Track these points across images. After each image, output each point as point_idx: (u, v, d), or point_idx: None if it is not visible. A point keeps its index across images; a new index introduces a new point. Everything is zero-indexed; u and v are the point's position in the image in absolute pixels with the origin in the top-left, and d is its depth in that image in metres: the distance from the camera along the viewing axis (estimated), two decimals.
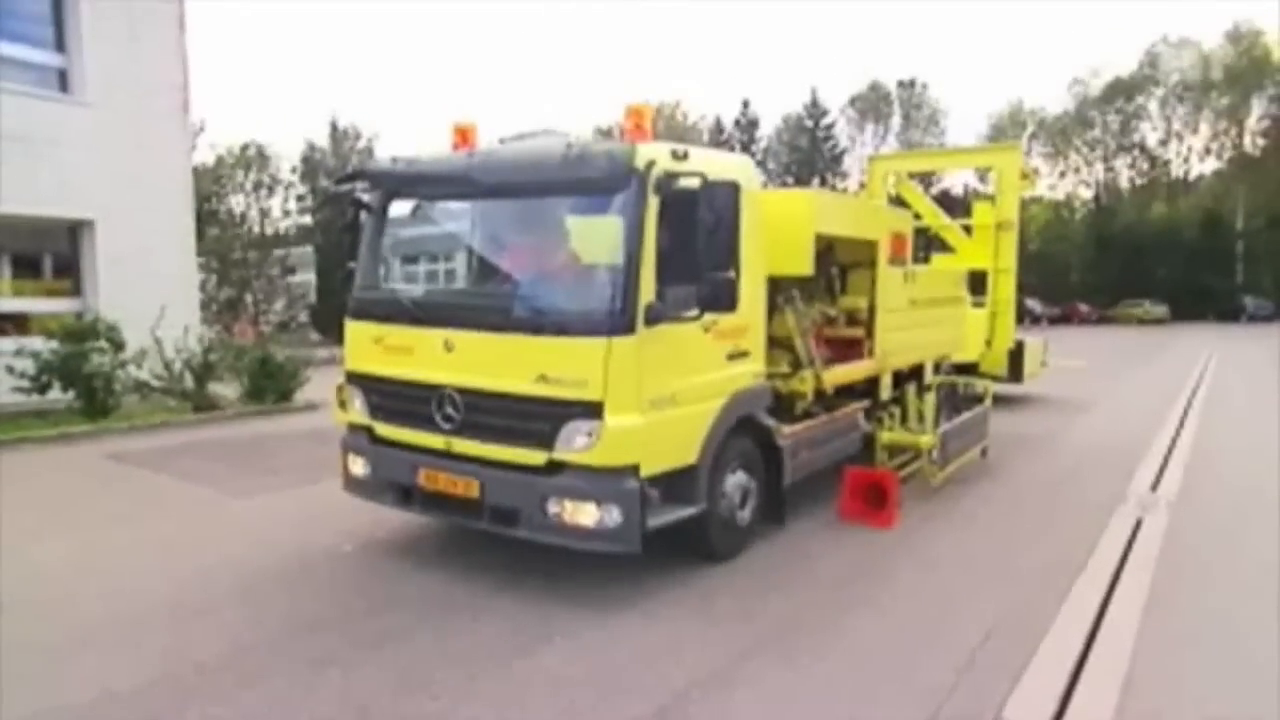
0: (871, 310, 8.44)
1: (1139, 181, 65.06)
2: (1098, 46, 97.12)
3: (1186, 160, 63.85)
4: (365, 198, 6.44)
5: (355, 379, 6.40)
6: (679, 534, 5.90)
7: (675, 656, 4.89)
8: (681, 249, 5.47)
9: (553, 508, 5.49)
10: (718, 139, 66.80)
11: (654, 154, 5.49)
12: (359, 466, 6.41)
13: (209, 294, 26.73)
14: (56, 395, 12.12)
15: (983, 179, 55.41)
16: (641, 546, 5.48)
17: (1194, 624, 5.50)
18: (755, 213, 6.49)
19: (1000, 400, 13.69)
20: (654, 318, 5.41)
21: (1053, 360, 17.30)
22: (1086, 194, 66.48)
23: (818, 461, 7.55)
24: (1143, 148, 64.68)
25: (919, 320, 9.33)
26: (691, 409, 5.85)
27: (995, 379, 13.85)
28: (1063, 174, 66.26)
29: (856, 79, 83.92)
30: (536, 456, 5.52)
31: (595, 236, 5.69)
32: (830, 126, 67.93)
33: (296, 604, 5.70)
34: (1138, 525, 7.51)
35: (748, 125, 67.72)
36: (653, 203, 5.43)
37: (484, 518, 5.76)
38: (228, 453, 10.94)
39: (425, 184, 6.21)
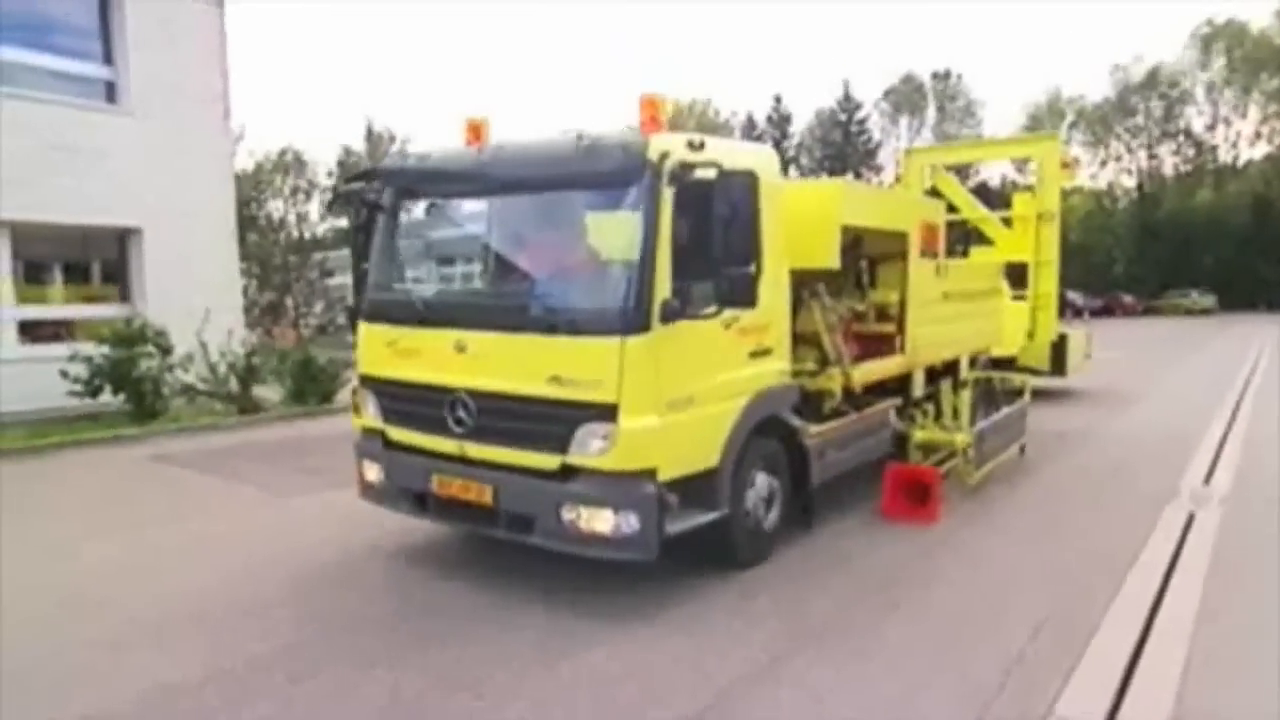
0: (902, 304, 8.15)
1: (1184, 169, 63.36)
2: (1139, 31, 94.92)
3: (1235, 145, 62.02)
4: (378, 197, 6.30)
5: (368, 382, 6.26)
6: (700, 540, 5.68)
7: (719, 655, 4.82)
8: (698, 243, 5.25)
9: (568, 514, 5.29)
10: (750, 135, 66.28)
11: (668, 145, 5.27)
12: (373, 473, 6.27)
13: (251, 298, 27.02)
14: (107, 399, 12.35)
15: (1021, 170, 54.60)
16: (658, 554, 5.27)
17: (1252, 620, 5.26)
18: (777, 204, 6.25)
19: (1043, 394, 13.80)
20: (670, 315, 5.19)
21: (1096, 353, 16.88)
22: (1129, 182, 64.97)
23: (847, 462, 7.28)
24: (1188, 133, 62.95)
25: (953, 314, 9.01)
26: (712, 409, 5.63)
27: (1037, 373, 13.82)
28: (1104, 163, 64.82)
29: (890, 72, 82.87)
30: (551, 461, 5.33)
31: (608, 231, 5.48)
32: (864, 120, 67.12)
33: (340, 605, 5.71)
34: (1190, 520, 7.26)
35: (780, 121, 67.16)
36: (667, 195, 5.21)
37: (499, 525, 5.59)
38: (272, 454, 11.05)
39: (435, 181, 6.05)
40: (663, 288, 5.19)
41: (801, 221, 6.78)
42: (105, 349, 12.25)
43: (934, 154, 18.33)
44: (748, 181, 5.23)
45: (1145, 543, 6.69)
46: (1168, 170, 64.12)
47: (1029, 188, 17.49)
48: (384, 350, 6.10)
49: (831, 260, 6.96)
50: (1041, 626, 5.12)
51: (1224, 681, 4.48)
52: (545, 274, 5.79)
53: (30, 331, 13.39)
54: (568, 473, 5.31)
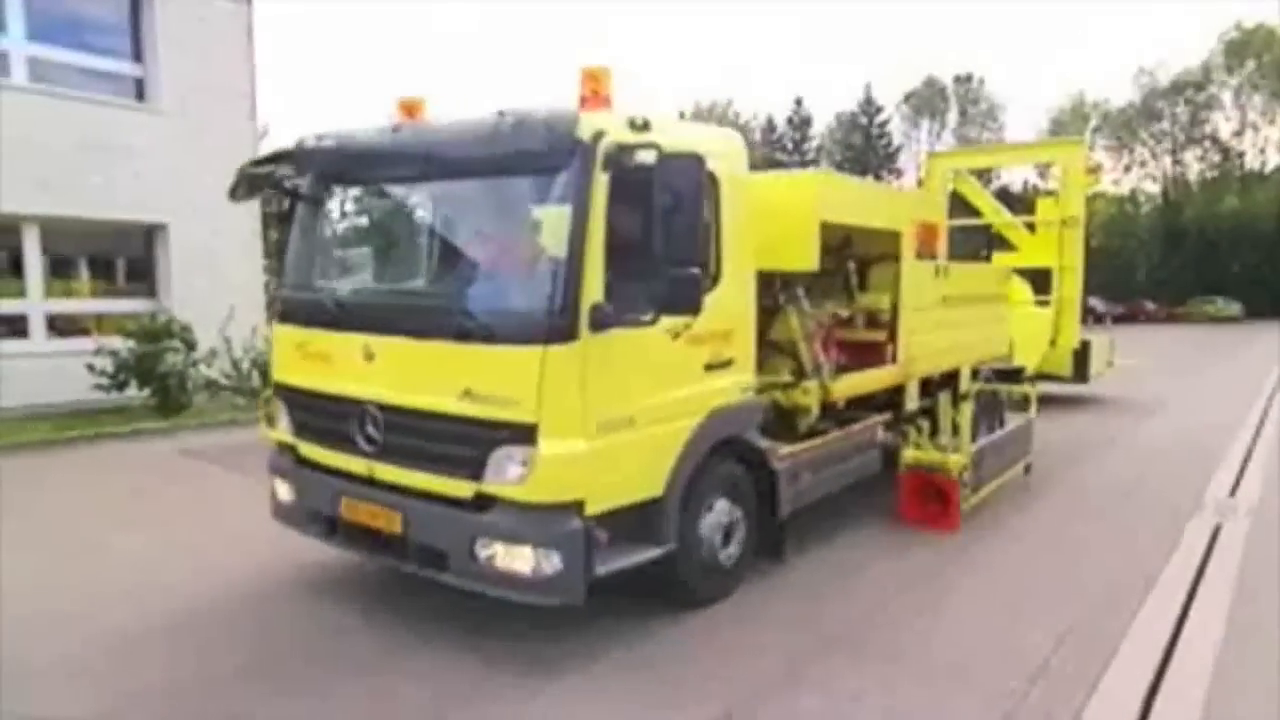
0: (895, 310, 7.28)
1: (1209, 174, 61.48)
2: (1165, 36, 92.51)
3: (1263, 151, 60.10)
4: (297, 183, 5.52)
5: (280, 391, 5.49)
6: (647, 577, 4.88)
7: (745, 660, 4.69)
8: (639, 239, 4.44)
9: (483, 550, 4.50)
10: (770, 138, 65.30)
11: (603, 123, 4.46)
12: (284, 491, 5.50)
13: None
14: (133, 393, 12.19)
15: (1042, 175, 53.17)
16: (585, 596, 4.47)
17: None
18: (742, 197, 5.44)
19: (1065, 401, 14.12)
20: (602, 322, 4.38)
21: (1119, 360, 16.23)
22: (1153, 188, 63.19)
23: (826, 485, 6.43)
24: (1214, 139, 61.09)
25: (953, 320, 8.12)
26: (655, 431, 4.81)
27: (1060, 379, 13.87)
28: (1127, 168, 63.07)
29: (912, 75, 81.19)
30: (464, 488, 4.53)
31: (531, 223, 4.66)
32: (885, 124, 65.95)
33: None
34: (1216, 532, 6.94)
35: (800, 123, 66.11)
36: (601, 182, 4.40)
37: (409, 558, 4.80)
38: None
39: (349, 165, 5.22)
40: (594, 290, 4.38)
41: (776, 218, 5.98)
42: (131, 344, 12.09)
43: (957, 158, 17.86)
44: (695, 167, 4.36)
45: (1170, 554, 6.39)
46: (1192, 176, 62.29)
47: (1051, 193, 17.06)
48: (295, 355, 5.34)
49: (809, 261, 6.11)
50: (1065, 636, 4.95)
51: (1252, 694, 4.35)
52: (460, 272, 5.00)
53: (58, 326, 13.29)
54: (484, 502, 4.51)
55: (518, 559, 4.42)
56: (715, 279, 5.23)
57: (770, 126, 66.38)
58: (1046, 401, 13.31)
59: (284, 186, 5.35)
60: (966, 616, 5.35)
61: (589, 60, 5.20)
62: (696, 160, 4.36)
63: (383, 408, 4.80)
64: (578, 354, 4.33)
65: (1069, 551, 6.63)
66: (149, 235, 14.09)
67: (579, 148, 4.35)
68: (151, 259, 14.23)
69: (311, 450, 5.28)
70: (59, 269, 13.79)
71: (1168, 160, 62.50)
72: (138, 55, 13.99)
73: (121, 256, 14.90)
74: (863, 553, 6.42)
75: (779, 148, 63.69)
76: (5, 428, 10.87)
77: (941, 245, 8.02)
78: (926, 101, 68.06)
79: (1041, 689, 4.34)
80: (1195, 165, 62.02)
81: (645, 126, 4.62)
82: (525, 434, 4.32)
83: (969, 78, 67.08)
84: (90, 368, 11.81)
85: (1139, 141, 62.55)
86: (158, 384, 12.20)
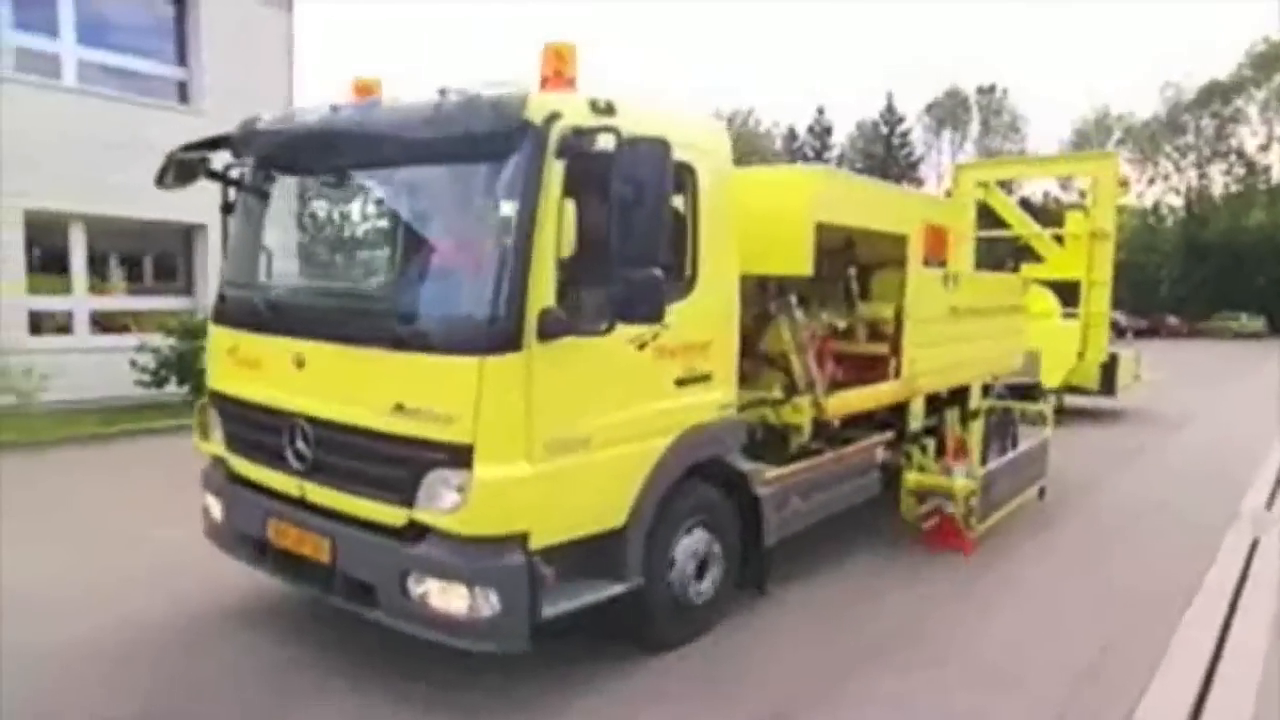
0: (898, 320, 6.63)
1: (1234, 188, 59.95)
2: (1191, 48, 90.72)
3: None
4: (238, 170, 4.96)
5: (214, 399, 4.94)
6: (607, 614, 4.28)
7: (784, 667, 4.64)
8: (597, 236, 3.86)
9: (416, 586, 3.91)
10: (791, 147, 64.57)
11: (559, 105, 3.88)
12: (216, 509, 4.94)
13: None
14: (172, 389, 11.98)
15: (1065, 187, 52.05)
16: (528, 643, 3.88)
17: None
18: (725, 194, 4.84)
19: (1092, 414, 14.17)
20: (552, 330, 3.80)
21: (1146, 374, 15.85)
22: (1176, 201, 61.75)
23: (818, 511, 5.79)
24: (1240, 153, 59.62)
25: (963, 333, 7.44)
26: (616, 453, 4.21)
27: (1087, 393, 13.86)
28: (1151, 181, 61.63)
29: (934, 85, 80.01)
30: (395, 515, 3.96)
31: (474, 216, 4.05)
32: (906, 134, 65.06)
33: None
34: (1254, 546, 6.74)
35: (821, 132, 65.32)
36: (555, 170, 3.83)
37: (338, 590, 4.22)
38: None
39: (287, 149, 4.63)
40: (543, 293, 3.80)
41: (766, 218, 5.38)
42: (172, 341, 11.91)
43: (986, 169, 17.52)
44: (659, 154, 3.75)
45: (1208, 567, 6.22)
46: (1217, 190, 60.82)
47: (1076, 206, 16.83)
48: (227, 360, 4.79)
49: (803, 265, 5.49)
50: (1109, 645, 4.92)
51: None
52: (395, 271, 4.44)
53: (99, 322, 13.25)
54: (417, 531, 3.93)
55: (453, 598, 3.84)
56: (690, 284, 4.64)
57: (791, 135, 65.67)
58: (1074, 415, 13.66)
59: (218, 173, 4.79)
60: (1005, 629, 5.25)
61: (604, 63, 4.70)
62: (661, 146, 3.75)
63: (312, 421, 4.24)
64: (521, 365, 3.74)
65: (1105, 564, 6.47)
66: (188, 235, 14.10)
67: (528, 131, 3.78)
68: (190, 258, 14.32)
69: (242, 465, 4.73)
70: (98, 266, 13.79)
71: (1192, 174, 61.11)
72: (181, 59, 14.09)
73: (160, 254, 14.98)
74: (883, 574, 6.09)
75: (800, 156, 62.90)
76: (54, 421, 10.79)
77: (959, 252, 7.38)
78: (949, 112, 67.09)
79: (1090, 694, 4.34)
80: (1220, 179, 60.57)
81: (609, 110, 4.04)
82: (460, 456, 3.74)
83: (992, 88, 66.11)
84: (133, 363, 11.68)
85: (1163, 155, 61.22)
86: (197, 380, 11.83)
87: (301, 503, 4.34)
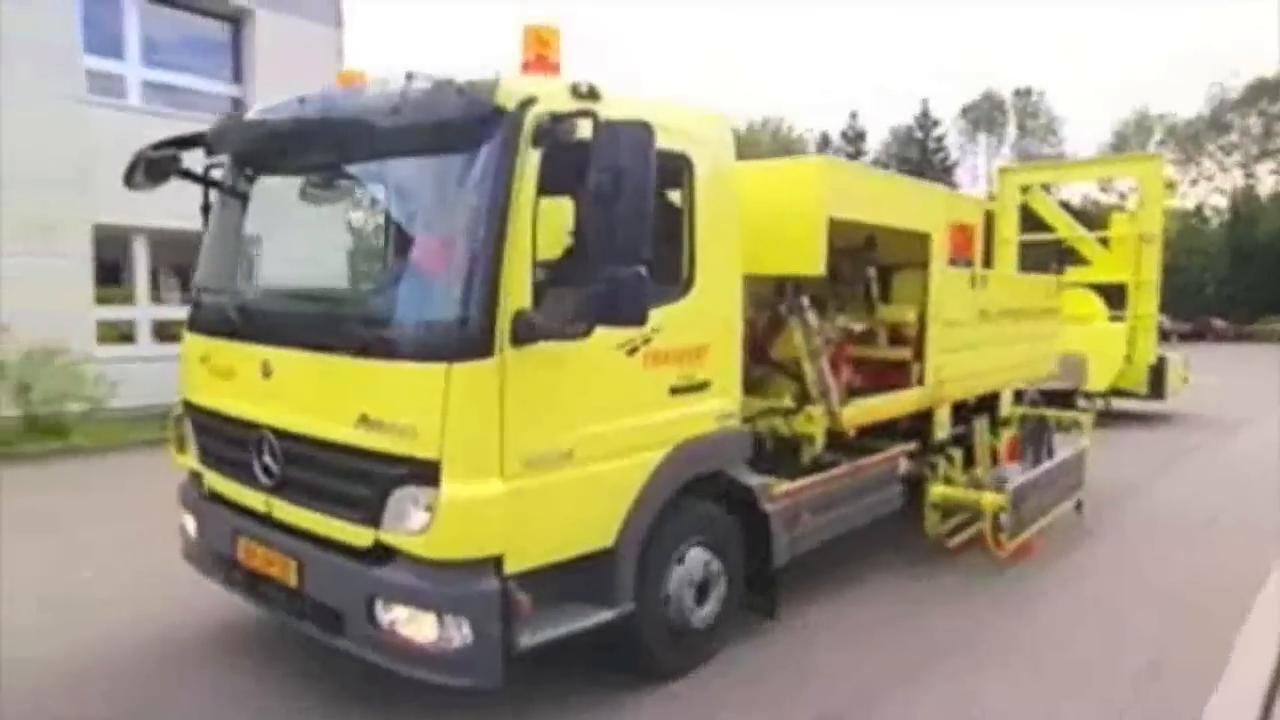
0: (922, 324, 6.20)
1: None
2: (1235, 46, 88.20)
3: None
4: (213, 168, 4.68)
5: (188, 410, 4.67)
6: (598, 640, 3.92)
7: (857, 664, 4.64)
8: (576, 230, 3.52)
9: (385, 613, 3.58)
10: (824, 151, 63.81)
11: (535, 89, 3.54)
12: (191, 527, 4.67)
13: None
14: None
15: (1105, 190, 50.74)
16: (503, 676, 3.52)
17: None
18: (726, 189, 4.48)
19: (1139, 418, 14.05)
20: (527, 334, 3.45)
21: (1195, 377, 15.46)
22: (1221, 202, 59.96)
23: (833, 528, 5.38)
24: None
25: (992, 337, 6.98)
26: (602, 468, 3.85)
27: (1135, 396, 13.72)
28: (1194, 182, 59.88)
29: (969, 88, 78.80)
30: (362, 535, 3.63)
31: (443, 211, 3.72)
32: (941, 138, 63.92)
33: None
34: None
35: (855, 137, 64.43)
36: (531, 160, 3.49)
37: (306, 615, 3.91)
38: None
39: (258, 145, 4.31)
40: (518, 294, 3.46)
41: (776, 214, 5.03)
42: None
43: (1030, 173, 17.18)
44: (642, 140, 3.38)
45: (1268, 572, 5.97)
46: (1264, 190, 58.92)
47: (1116, 208, 16.82)
48: (200, 369, 4.51)
49: (814, 264, 5.09)
50: (1171, 643, 4.93)
51: None
52: (362, 272, 4.13)
53: (159, 331, 13.29)
54: (385, 554, 3.60)
55: (421, 627, 3.51)
56: (687, 285, 4.28)
57: (824, 141, 64.86)
58: (1123, 418, 13.45)
59: (190, 172, 4.52)
60: (1060, 628, 5.22)
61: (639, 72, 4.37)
62: (643, 131, 3.38)
63: (279, 434, 3.94)
64: (492, 373, 3.40)
65: (1162, 565, 6.40)
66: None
67: (500, 118, 3.45)
68: None
69: (215, 480, 4.44)
70: (153, 278, 13.83)
71: (1238, 174, 59.31)
72: (237, 76, 14.32)
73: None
74: (913, 589, 5.80)
75: None
76: (122, 426, 10.98)
77: (978, 250, 6.91)
78: (984, 115, 65.90)
79: (1157, 690, 4.36)
80: (1268, 179, 58.70)
81: (592, 95, 3.69)
82: (426, 472, 3.41)
83: (1028, 91, 64.86)
84: None
85: (1207, 155, 59.52)
86: None
87: (270, 520, 4.05)
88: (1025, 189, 14.86)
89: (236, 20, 14.27)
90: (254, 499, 4.10)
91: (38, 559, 6.16)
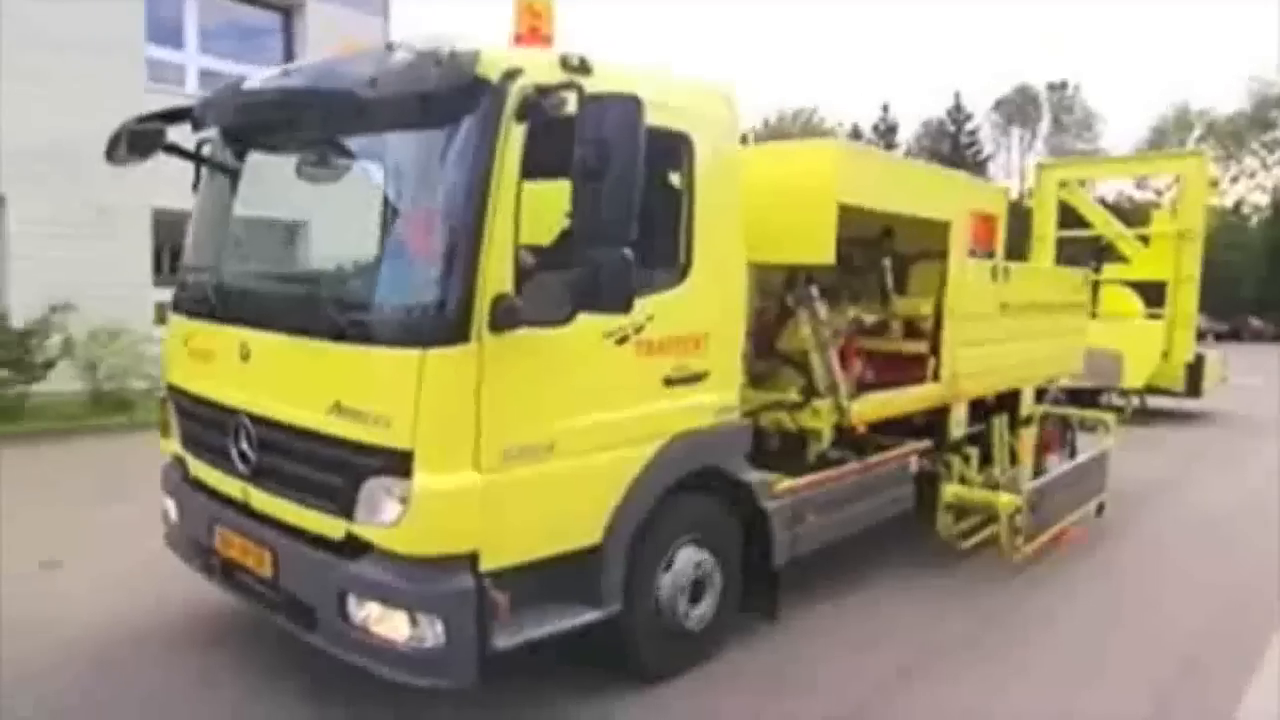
0: (938, 316, 5.93)
1: None
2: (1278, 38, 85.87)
3: None
4: (207, 148, 4.51)
5: (171, 394, 4.53)
6: (585, 640, 3.74)
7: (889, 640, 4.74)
8: (566, 211, 3.32)
9: (356, 610, 3.42)
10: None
11: (519, 60, 3.34)
12: (174, 513, 4.53)
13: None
14: None
15: (1139, 185, 49.63)
16: (476, 677, 3.34)
17: None
18: (728, 170, 4.26)
19: (1175, 416, 13.98)
20: (507, 320, 3.26)
21: (1234, 377, 15.53)
22: (1262, 200, 58.40)
23: (840, 528, 5.14)
24: None
25: (1014, 331, 6.67)
26: (587, 462, 3.65)
27: (1172, 394, 13.64)
28: (1234, 179, 58.39)
29: (1002, 81, 77.29)
30: (334, 527, 3.47)
31: (422, 188, 3.52)
32: (974, 132, 62.88)
33: None
34: None
35: (886, 130, 63.63)
36: (515, 135, 3.29)
37: (280, 609, 3.75)
38: None
39: (241, 118, 4.12)
40: (498, 277, 3.26)
41: (783, 199, 4.79)
42: None
43: (1069, 169, 17.01)
44: (629, 114, 3.15)
45: None
46: None
47: (1152, 204, 16.78)
48: (182, 351, 4.37)
49: (823, 253, 4.84)
50: (1209, 631, 4.98)
51: None
52: (338, 252, 3.94)
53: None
54: (357, 547, 3.44)
55: (392, 624, 3.33)
56: (684, 271, 4.06)
57: (855, 133, 64.03)
58: (1158, 416, 13.41)
59: (177, 147, 4.36)
60: (1092, 617, 5.21)
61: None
62: (632, 105, 3.16)
63: (255, 419, 3.78)
64: (470, 360, 3.21)
65: (1199, 559, 6.40)
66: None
67: (482, 90, 3.25)
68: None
69: (196, 466, 4.30)
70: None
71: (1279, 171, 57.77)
72: (287, 63, 14.20)
73: None
74: (922, 590, 5.59)
75: None
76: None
77: (1000, 240, 6.61)
78: (1018, 109, 64.67)
79: (1196, 676, 4.38)
80: None
81: (583, 68, 3.48)
82: (399, 463, 3.23)
83: (1063, 85, 63.51)
84: None
85: (1248, 152, 58.05)
86: None
87: (247, 509, 3.89)
88: (1063, 184, 14.67)
89: (288, 10, 14.69)
90: (232, 486, 3.96)
91: (120, 526, 6.16)
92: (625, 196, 3.17)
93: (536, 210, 3.48)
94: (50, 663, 4.20)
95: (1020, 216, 13.90)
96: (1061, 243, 14.57)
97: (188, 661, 4.29)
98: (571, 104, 3.24)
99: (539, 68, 3.37)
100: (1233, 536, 7.03)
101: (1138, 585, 5.86)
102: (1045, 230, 14.36)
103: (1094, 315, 13.98)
